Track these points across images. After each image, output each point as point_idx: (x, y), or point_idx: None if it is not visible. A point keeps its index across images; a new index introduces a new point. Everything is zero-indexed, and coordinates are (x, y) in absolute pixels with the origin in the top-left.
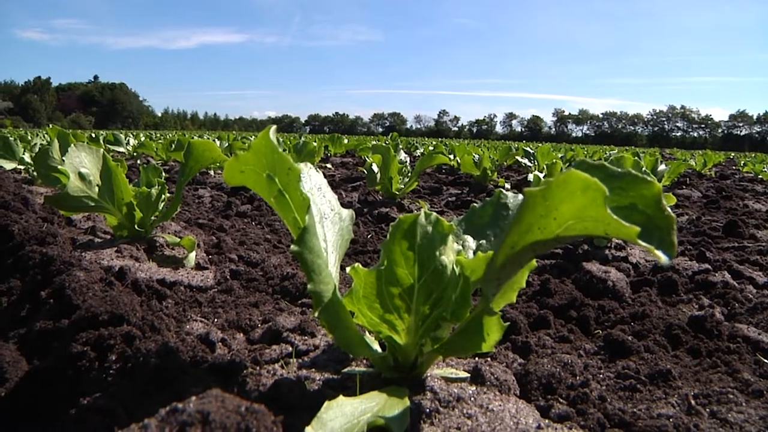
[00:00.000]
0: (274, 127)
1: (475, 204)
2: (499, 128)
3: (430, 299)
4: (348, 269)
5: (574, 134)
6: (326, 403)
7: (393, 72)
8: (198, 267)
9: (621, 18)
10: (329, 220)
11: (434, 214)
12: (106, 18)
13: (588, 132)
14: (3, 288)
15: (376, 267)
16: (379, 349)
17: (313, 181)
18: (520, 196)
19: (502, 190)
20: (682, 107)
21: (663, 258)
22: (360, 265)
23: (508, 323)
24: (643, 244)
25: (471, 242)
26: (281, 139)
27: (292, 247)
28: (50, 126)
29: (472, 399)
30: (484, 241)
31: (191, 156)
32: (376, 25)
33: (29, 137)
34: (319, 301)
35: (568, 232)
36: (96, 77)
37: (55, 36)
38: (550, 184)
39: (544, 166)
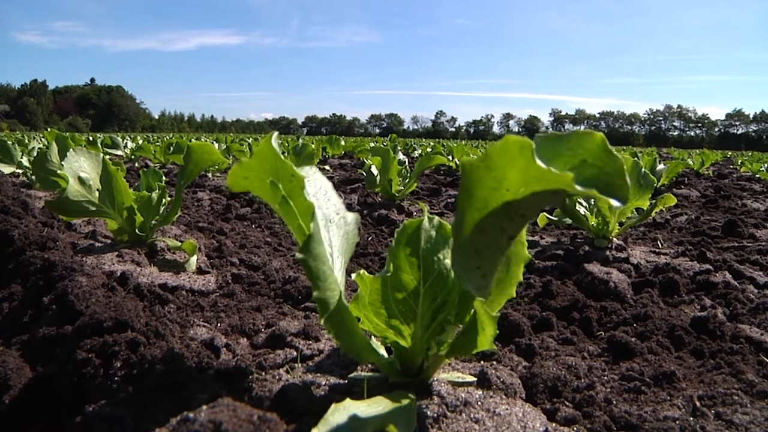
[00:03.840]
0: (276, 133)
1: None
2: (496, 129)
3: (434, 303)
4: (354, 276)
5: None
6: (333, 406)
7: (390, 73)
8: (199, 271)
9: (617, 17)
10: (335, 224)
11: (437, 218)
12: (105, 20)
13: None
14: (4, 293)
15: (382, 273)
16: (386, 354)
17: (318, 184)
18: None
19: None
20: (679, 106)
21: (614, 203)
22: (365, 272)
23: (498, 314)
24: (585, 190)
25: None
26: (280, 142)
27: (297, 254)
28: (47, 129)
29: (479, 403)
30: None
31: (191, 159)
32: (375, 26)
33: (27, 141)
34: (325, 307)
35: (522, 196)
36: (93, 80)
37: (53, 39)
38: (490, 153)
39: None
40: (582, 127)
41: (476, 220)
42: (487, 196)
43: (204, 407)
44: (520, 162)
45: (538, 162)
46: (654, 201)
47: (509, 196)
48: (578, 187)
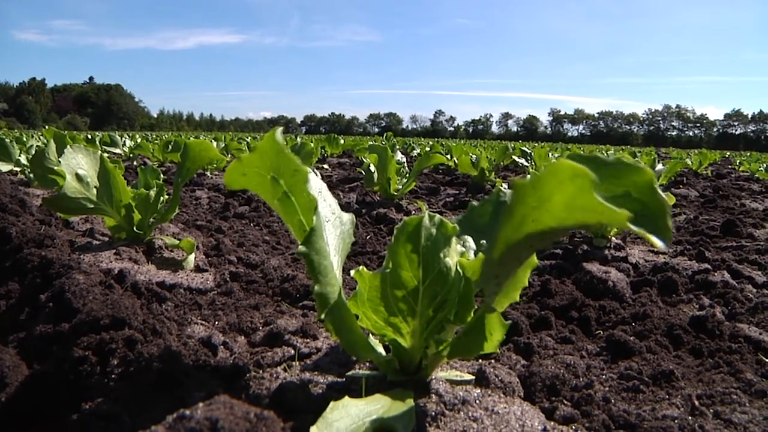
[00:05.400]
0: (280, 128)
1: (474, 202)
2: (495, 128)
3: (434, 302)
4: (352, 272)
5: (570, 134)
6: (331, 404)
7: (390, 72)
8: (197, 269)
9: (617, 18)
10: (330, 224)
11: (438, 216)
12: (105, 19)
13: (584, 132)
14: (1, 291)
15: (381, 270)
16: (384, 352)
17: (313, 185)
18: None
19: (501, 187)
20: (678, 106)
21: (659, 244)
22: (364, 269)
23: (509, 322)
24: (638, 230)
25: (471, 242)
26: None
27: (300, 248)
28: (46, 127)
29: (477, 401)
30: (484, 241)
31: (188, 157)
32: (375, 25)
33: (25, 139)
34: (325, 303)
35: (562, 223)
36: (92, 78)
37: (52, 37)
38: (540, 174)
39: (542, 167)
40: (581, 127)
41: (509, 236)
42: (526, 214)
43: (200, 404)
44: (570, 189)
45: (596, 196)
46: None
47: (547, 217)
48: (632, 227)
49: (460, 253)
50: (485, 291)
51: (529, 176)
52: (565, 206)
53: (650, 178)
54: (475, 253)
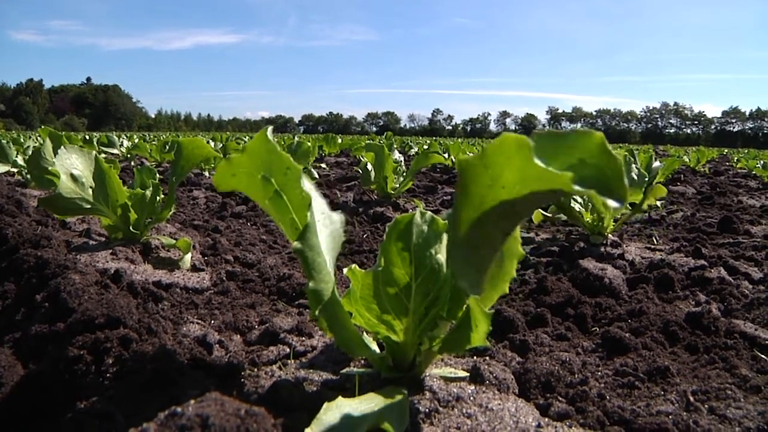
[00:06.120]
0: (270, 127)
1: None
2: (493, 127)
3: (426, 298)
4: (345, 270)
5: None
6: (325, 405)
7: (388, 71)
8: (194, 269)
9: (614, 16)
10: (320, 223)
11: (429, 213)
12: (102, 19)
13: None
14: None
15: (374, 268)
16: (378, 350)
17: (304, 184)
18: None
19: None
20: (675, 104)
21: (612, 203)
22: (357, 267)
23: (492, 311)
24: (583, 190)
25: None
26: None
27: (294, 244)
28: (42, 128)
29: (472, 398)
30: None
31: (181, 155)
32: (373, 25)
33: (22, 140)
34: (319, 300)
35: (517, 195)
36: (89, 79)
37: (49, 38)
38: (487, 150)
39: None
40: (579, 125)
41: (471, 217)
42: (483, 194)
43: (192, 402)
44: (517, 161)
45: (536, 161)
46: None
47: (505, 194)
48: (576, 187)
49: None
50: (461, 278)
51: (475, 154)
52: (517, 180)
53: (600, 141)
54: None
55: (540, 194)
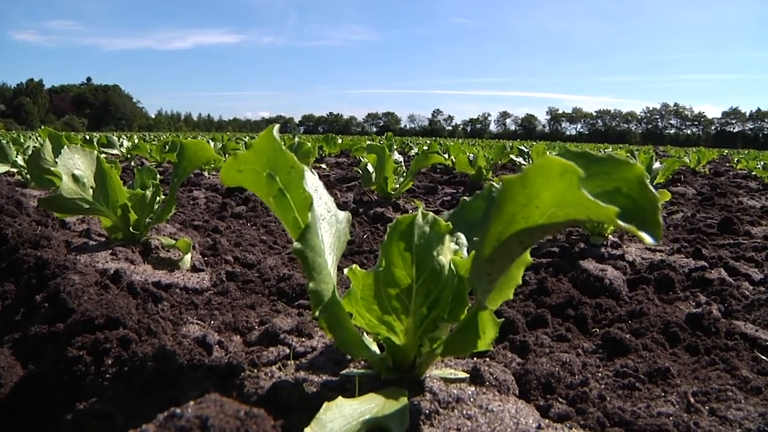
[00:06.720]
0: (277, 126)
1: (466, 198)
2: (493, 127)
3: (428, 300)
4: (346, 271)
5: (568, 132)
6: (325, 405)
7: (388, 72)
8: (194, 269)
9: (614, 16)
10: (326, 222)
11: (431, 213)
12: (103, 19)
13: (582, 130)
14: None
15: (374, 268)
16: (378, 351)
17: (310, 183)
18: None
19: (493, 183)
20: (676, 105)
21: (648, 239)
22: (357, 267)
23: (502, 319)
24: (627, 225)
25: (464, 240)
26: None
27: (295, 244)
28: (42, 128)
29: (472, 399)
30: (477, 238)
31: (184, 156)
32: (373, 25)
33: (22, 140)
34: (319, 300)
35: (552, 219)
36: (89, 79)
37: (50, 38)
38: (528, 170)
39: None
40: (579, 126)
41: (499, 232)
42: (515, 212)
43: (191, 403)
44: (559, 185)
45: (584, 192)
46: None
47: (537, 214)
48: (620, 222)
49: (453, 251)
50: (478, 289)
51: (517, 173)
52: (554, 203)
53: (640, 174)
54: (468, 250)
55: (575, 221)
